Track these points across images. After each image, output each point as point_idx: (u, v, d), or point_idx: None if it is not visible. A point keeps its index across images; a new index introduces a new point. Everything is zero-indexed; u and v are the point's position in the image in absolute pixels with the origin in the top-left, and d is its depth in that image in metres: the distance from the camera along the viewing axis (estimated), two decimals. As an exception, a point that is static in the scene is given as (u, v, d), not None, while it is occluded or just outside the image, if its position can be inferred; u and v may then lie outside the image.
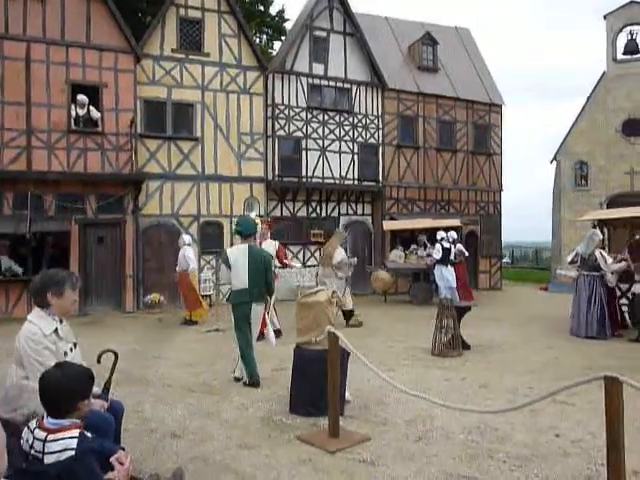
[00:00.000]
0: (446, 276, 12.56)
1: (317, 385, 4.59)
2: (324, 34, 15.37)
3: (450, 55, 18.44)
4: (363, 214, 16.28)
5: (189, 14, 13.69)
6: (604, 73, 19.48)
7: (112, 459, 2.52)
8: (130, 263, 12.63)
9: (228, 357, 6.81)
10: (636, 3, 19.18)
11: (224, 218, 13.95)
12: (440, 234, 12.86)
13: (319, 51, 15.30)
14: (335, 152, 15.43)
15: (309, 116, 15.10)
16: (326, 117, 15.35)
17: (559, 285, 16.80)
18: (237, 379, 6.03)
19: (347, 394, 5.04)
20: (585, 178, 19.69)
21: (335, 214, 15.77)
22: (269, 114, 14.59)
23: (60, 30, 12.02)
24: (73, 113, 12.09)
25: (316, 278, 11.04)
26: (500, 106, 18.33)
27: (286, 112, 14.79)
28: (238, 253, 6.00)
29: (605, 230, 11.80)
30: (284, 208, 15.06)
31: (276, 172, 14.56)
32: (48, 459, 2.34)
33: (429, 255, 13.53)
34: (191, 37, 13.75)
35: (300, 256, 15.13)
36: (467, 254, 14.08)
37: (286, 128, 14.78)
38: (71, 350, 3.24)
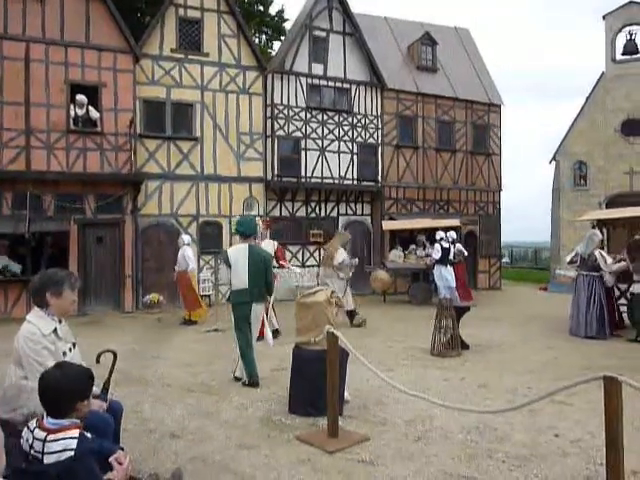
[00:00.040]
0: (445, 276, 12.57)
1: (316, 385, 4.59)
2: (323, 34, 15.38)
3: (449, 55, 18.45)
4: (362, 214, 16.29)
5: (188, 14, 13.68)
6: (603, 73, 19.50)
7: (111, 459, 2.52)
8: (129, 263, 12.64)
9: (227, 357, 6.81)
10: (635, 3, 19.21)
11: (223, 218, 13.96)
12: (439, 234, 12.87)
13: (318, 51, 15.30)
14: (334, 152, 15.44)
15: (308, 116, 15.11)
16: (325, 117, 15.35)
17: (558, 285, 16.80)
18: (237, 379, 6.03)
19: (346, 394, 5.04)
20: (584, 178, 19.71)
21: (334, 214, 15.78)
22: (268, 114, 14.59)
23: (59, 30, 12.03)
24: (72, 113, 12.08)
25: (317, 278, 11.03)
26: (499, 106, 18.35)
27: (285, 112, 14.79)
28: (238, 253, 5.99)
29: (604, 230, 11.81)
30: (283, 208, 15.06)
31: (275, 172, 14.56)
32: (48, 459, 2.34)
33: (428, 255, 13.55)
34: (190, 37, 13.74)
35: (299, 256, 15.15)
36: (466, 254, 14.10)
37: (285, 128, 14.78)
38: (70, 350, 3.23)
